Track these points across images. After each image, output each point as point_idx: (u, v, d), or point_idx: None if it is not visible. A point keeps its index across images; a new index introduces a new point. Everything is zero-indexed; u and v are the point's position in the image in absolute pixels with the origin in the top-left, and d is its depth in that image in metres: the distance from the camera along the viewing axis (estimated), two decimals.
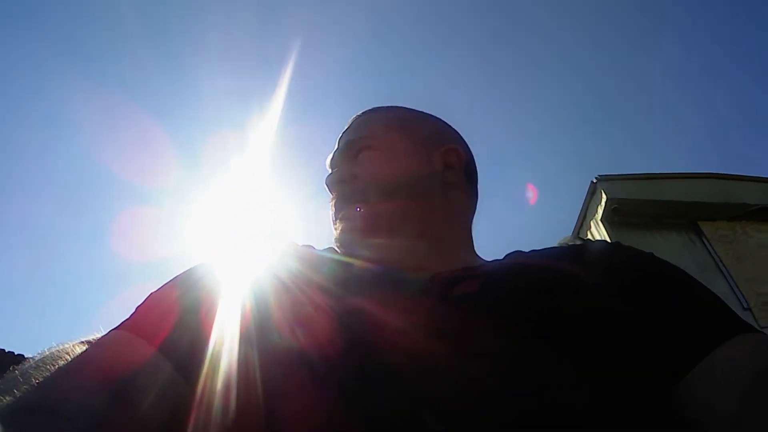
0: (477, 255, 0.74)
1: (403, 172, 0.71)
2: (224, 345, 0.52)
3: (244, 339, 0.53)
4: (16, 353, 4.68)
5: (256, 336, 0.53)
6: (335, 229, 0.72)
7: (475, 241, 0.76)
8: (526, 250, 0.68)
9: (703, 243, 5.08)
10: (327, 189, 0.77)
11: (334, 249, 0.71)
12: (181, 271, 0.62)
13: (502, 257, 0.68)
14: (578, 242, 0.68)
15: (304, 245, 0.69)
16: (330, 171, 0.79)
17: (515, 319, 0.50)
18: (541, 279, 0.56)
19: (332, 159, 0.79)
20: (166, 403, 0.47)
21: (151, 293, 0.58)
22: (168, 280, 0.60)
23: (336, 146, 0.80)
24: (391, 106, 0.83)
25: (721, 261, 4.93)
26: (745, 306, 4.62)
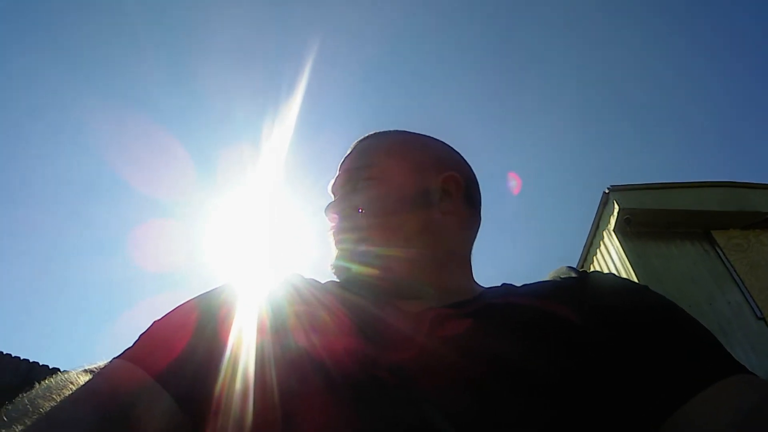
0: (474, 282, 0.74)
1: (401, 201, 0.71)
2: (238, 360, 0.54)
3: (258, 353, 0.54)
4: (31, 360, 4.73)
5: (272, 348, 0.54)
6: (333, 256, 0.73)
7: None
8: (518, 284, 0.68)
9: (717, 252, 5.00)
10: (326, 218, 0.77)
11: (331, 281, 0.72)
12: (183, 301, 0.63)
13: (498, 285, 0.69)
14: (573, 274, 0.68)
15: (304, 276, 0.70)
16: (331, 197, 0.79)
17: (498, 364, 0.51)
18: (527, 322, 0.57)
19: (333, 186, 0.80)
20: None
21: (155, 322, 0.59)
22: (171, 309, 0.61)
23: (337, 172, 0.80)
24: (392, 131, 0.82)
25: (734, 270, 4.85)
26: (759, 315, 4.56)
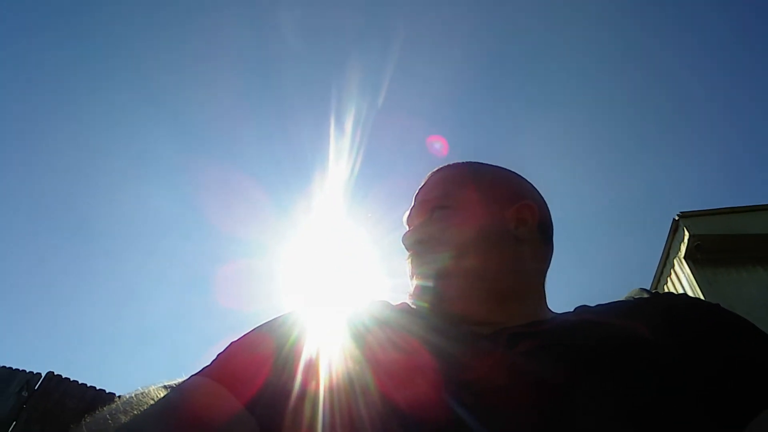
0: (548, 308, 0.74)
1: (476, 229, 0.72)
2: (312, 399, 0.54)
3: (333, 391, 0.54)
4: (98, 388, 4.81)
5: (345, 388, 0.55)
6: (411, 285, 0.74)
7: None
8: (592, 305, 0.69)
9: None
10: (403, 247, 0.78)
11: (408, 304, 0.72)
12: (261, 323, 0.65)
13: (572, 309, 0.70)
14: (645, 295, 0.68)
15: (380, 301, 0.72)
16: (407, 228, 0.80)
17: (573, 379, 0.52)
18: (602, 338, 0.58)
19: (408, 217, 0.81)
20: None
21: (232, 342, 0.60)
22: (248, 330, 0.63)
23: (412, 203, 0.81)
24: (466, 163, 0.84)
25: None
26: None
